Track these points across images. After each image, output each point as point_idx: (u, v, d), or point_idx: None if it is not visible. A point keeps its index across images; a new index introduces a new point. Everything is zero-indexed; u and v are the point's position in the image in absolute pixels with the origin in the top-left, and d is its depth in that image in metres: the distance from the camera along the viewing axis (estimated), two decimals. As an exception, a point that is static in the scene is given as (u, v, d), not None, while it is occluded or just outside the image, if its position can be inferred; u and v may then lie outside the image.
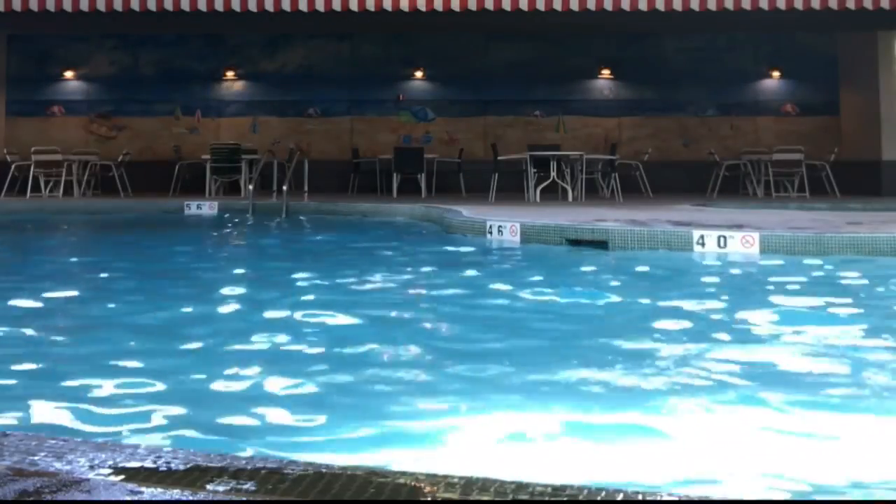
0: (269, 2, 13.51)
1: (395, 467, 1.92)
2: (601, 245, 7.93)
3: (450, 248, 8.44)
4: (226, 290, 5.77)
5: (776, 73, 17.15)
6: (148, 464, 1.82)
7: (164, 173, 15.61)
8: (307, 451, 2.57)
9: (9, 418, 2.90)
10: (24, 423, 2.87)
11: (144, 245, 9.15)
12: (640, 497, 1.67)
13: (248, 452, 2.48)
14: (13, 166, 14.85)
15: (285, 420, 2.91)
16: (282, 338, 4.22)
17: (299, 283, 6.12)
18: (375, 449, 2.62)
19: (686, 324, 4.55)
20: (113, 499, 1.63)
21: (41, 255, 8.28)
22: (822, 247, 7.22)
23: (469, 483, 1.71)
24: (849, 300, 5.27)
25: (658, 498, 1.66)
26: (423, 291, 5.86)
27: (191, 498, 1.65)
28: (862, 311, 4.96)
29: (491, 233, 8.79)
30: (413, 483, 1.71)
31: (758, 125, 17.22)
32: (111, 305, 5.14)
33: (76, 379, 3.41)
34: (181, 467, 1.80)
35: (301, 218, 12.28)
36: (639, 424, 2.86)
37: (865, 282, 6.09)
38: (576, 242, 8.13)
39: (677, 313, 4.85)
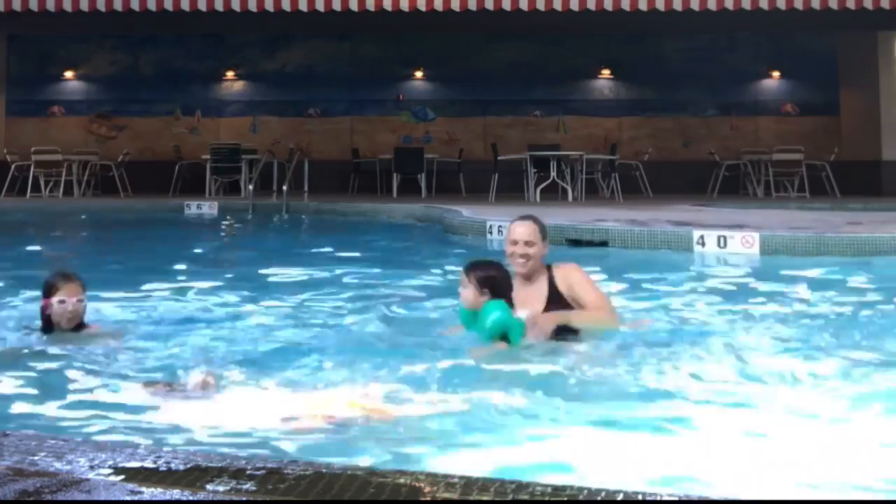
0: (269, 2, 13.52)
1: (395, 467, 1.92)
2: (601, 245, 7.93)
3: (449, 249, 8.44)
4: (225, 291, 5.77)
5: (776, 73, 17.15)
6: (148, 464, 1.82)
7: (164, 173, 15.61)
8: (307, 452, 2.58)
9: (8, 418, 2.90)
10: (23, 423, 2.87)
11: (141, 243, 9.15)
12: (640, 497, 1.67)
13: (248, 452, 2.48)
14: (13, 166, 14.85)
15: (286, 420, 2.91)
16: (279, 336, 4.22)
17: (298, 283, 6.12)
18: (376, 449, 2.62)
19: (684, 325, 4.55)
20: (113, 499, 1.63)
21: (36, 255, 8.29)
22: (822, 247, 7.21)
23: (469, 483, 1.71)
24: (849, 300, 5.27)
25: (658, 498, 1.66)
26: (422, 292, 5.85)
27: (191, 498, 1.65)
28: (860, 311, 4.96)
29: (491, 233, 8.79)
30: (413, 483, 1.71)
31: (758, 125, 17.22)
32: (110, 304, 5.14)
33: (77, 379, 3.41)
34: (181, 467, 1.80)
35: (301, 218, 12.28)
36: (637, 425, 2.86)
37: (865, 281, 6.08)
38: (576, 242, 8.13)
39: (676, 314, 4.85)
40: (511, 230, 4.05)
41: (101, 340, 3.98)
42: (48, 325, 3.99)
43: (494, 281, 3.78)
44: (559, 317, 3.90)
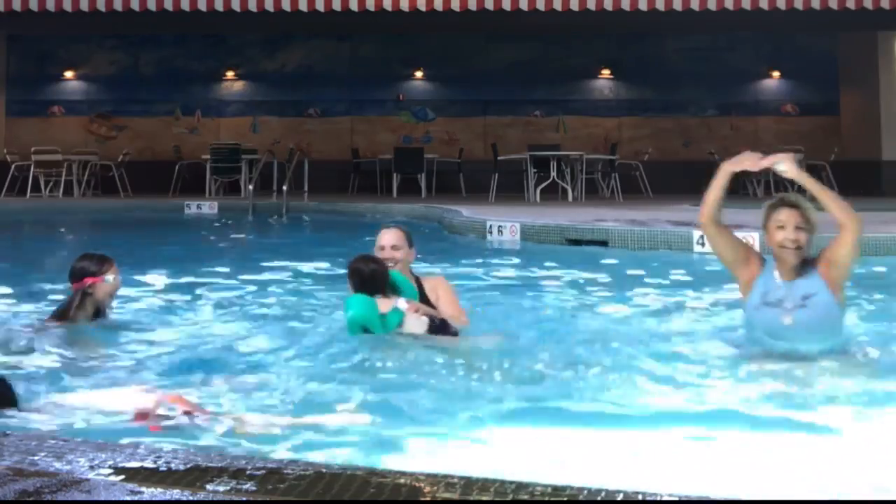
0: (269, 2, 13.52)
1: (395, 467, 1.92)
2: (601, 245, 7.93)
3: (450, 249, 8.44)
4: (225, 290, 5.77)
5: (776, 73, 17.15)
6: (148, 464, 1.82)
7: (164, 173, 15.60)
8: (307, 451, 2.57)
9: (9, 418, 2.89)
10: (24, 423, 2.86)
11: (141, 243, 9.14)
12: (640, 497, 1.67)
13: (248, 452, 2.48)
14: (13, 166, 14.85)
15: (285, 421, 2.91)
16: (280, 336, 4.22)
17: (297, 283, 6.12)
18: (375, 449, 2.62)
19: (685, 324, 4.56)
20: (113, 499, 1.63)
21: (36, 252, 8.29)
22: (822, 247, 7.19)
23: (469, 483, 1.71)
24: (849, 299, 5.26)
25: (658, 498, 1.66)
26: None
27: (191, 498, 1.65)
28: (860, 310, 4.95)
29: (491, 233, 8.79)
30: (413, 483, 1.71)
31: (758, 125, 17.21)
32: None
33: (77, 378, 3.42)
34: (181, 467, 1.80)
35: (301, 218, 12.28)
36: (636, 425, 2.86)
37: (864, 281, 6.08)
38: (576, 242, 8.13)
39: (675, 313, 4.85)
40: (378, 237, 4.35)
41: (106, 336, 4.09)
42: (80, 307, 4.08)
43: (362, 275, 3.99)
44: (434, 312, 4.12)
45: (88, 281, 4.07)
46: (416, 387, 3.30)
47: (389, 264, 4.17)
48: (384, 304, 3.90)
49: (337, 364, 3.64)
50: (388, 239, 4.29)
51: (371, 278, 3.96)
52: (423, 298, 4.21)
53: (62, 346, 3.83)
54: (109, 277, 4.10)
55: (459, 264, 7.24)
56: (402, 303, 3.94)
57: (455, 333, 4.04)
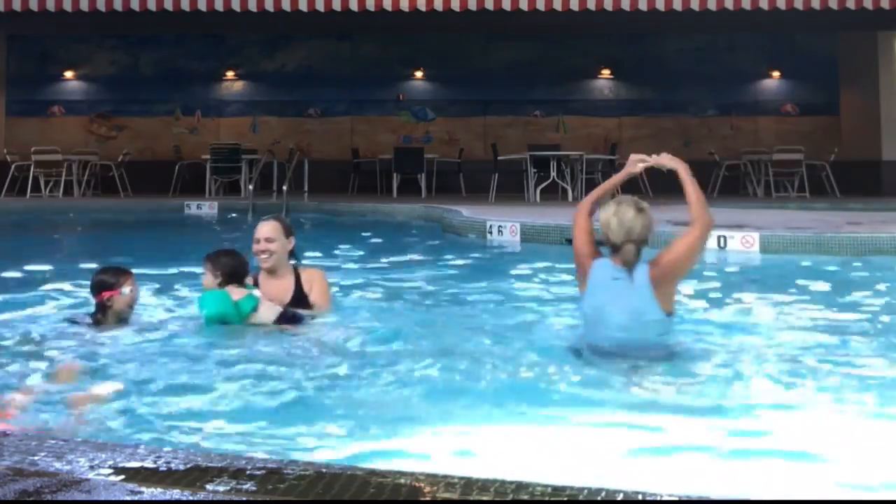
0: (269, 2, 13.51)
1: (395, 467, 1.92)
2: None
3: (449, 248, 8.43)
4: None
5: (776, 73, 17.14)
6: (148, 464, 1.82)
7: (164, 173, 15.61)
8: (307, 451, 2.58)
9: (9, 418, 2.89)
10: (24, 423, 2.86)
11: (141, 243, 9.14)
12: (640, 497, 1.67)
13: (248, 452, 2.48)
14: (13, 166, 14.85)
15: (286, 421, 2.91)
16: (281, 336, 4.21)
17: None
18: (375, 449, 2.62)
19: (684, 324, 4.55)
20: (113, 499, 1.63)
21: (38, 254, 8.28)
22: (822, 247, 7.21)
23: (469, 483, 1.71)
24: (849, 300, 5.27)
25: (658, 498, 1.66)
26: (421, 292, 5.85)
27: (191, 498, 1.65)
28: (860, 311, 4.95)
29: (491, 233, 8.79)
30: (413, 483, 1.71)
31: (758, 125, 17.21)
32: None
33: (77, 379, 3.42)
34: (181, 467, 1.80)
35: (301, 218, 12.27)
36: (635, 424, 2.86)
37: (865, 281, 6.08)
38: (576, 242, 8.10)
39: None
40: (255, 229, 4.52)
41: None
42: (100, 316, 4.19)
43: (226, 266, 4.27)
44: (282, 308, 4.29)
45: (106, 294, 4.17)
46: (414, 387, 3.31)
47: (264, 255, 4.41)
48: (236, 293, 4.15)
49: (332, 363, 3.64)
50: (263, 232, 4.47)
51: (232, 271, 4.25)
52: (299, 287, 4.44)
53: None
54: (126, 290, 4.19)
55: (459, 264, 7.24)
56: (257, 291, 4.22)
57: (299, 320, 4.24)
